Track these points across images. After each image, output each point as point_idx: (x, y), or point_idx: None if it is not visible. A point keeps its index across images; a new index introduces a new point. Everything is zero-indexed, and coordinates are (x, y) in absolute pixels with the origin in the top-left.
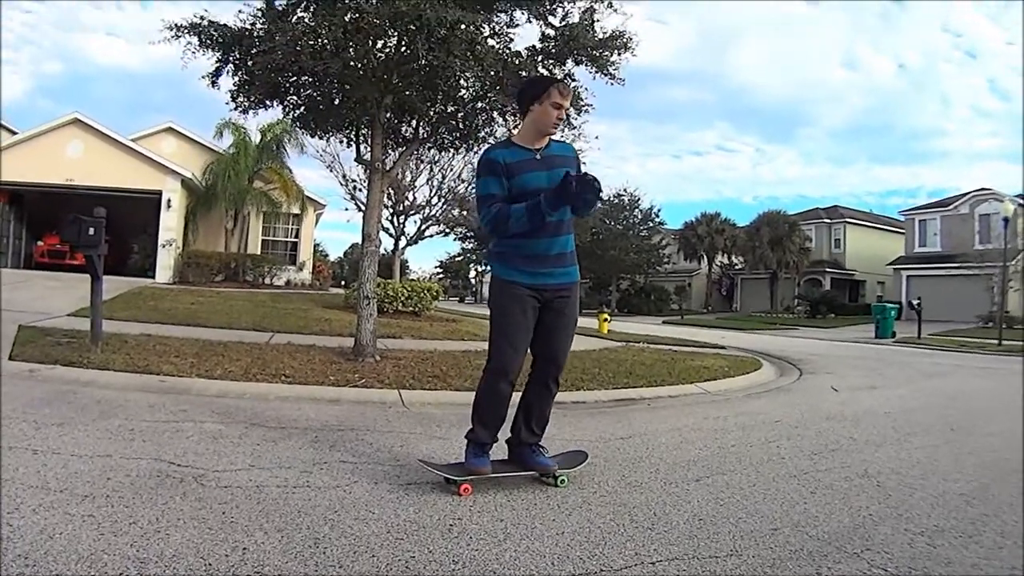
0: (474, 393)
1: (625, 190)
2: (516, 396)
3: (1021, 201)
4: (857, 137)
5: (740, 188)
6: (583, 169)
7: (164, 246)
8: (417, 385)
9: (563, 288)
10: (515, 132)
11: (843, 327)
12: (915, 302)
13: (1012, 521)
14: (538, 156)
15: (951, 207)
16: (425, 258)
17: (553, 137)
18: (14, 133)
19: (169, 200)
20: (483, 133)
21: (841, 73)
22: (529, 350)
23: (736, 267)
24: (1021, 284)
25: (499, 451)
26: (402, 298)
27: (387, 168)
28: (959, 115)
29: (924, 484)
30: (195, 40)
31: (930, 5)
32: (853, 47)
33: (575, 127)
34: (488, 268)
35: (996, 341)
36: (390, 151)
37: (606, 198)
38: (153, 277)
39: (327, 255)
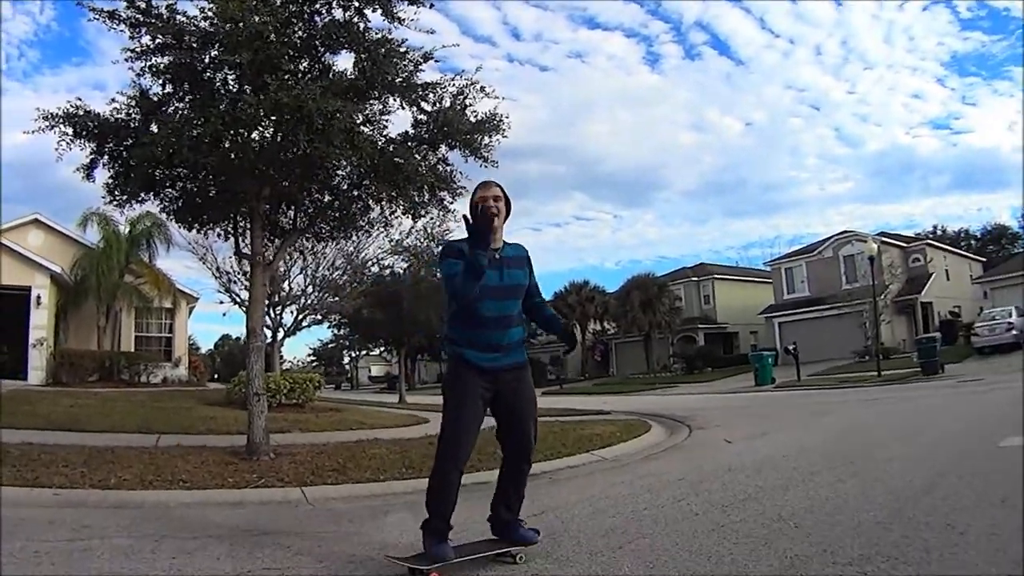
0: (426, 481)
1: None
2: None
3: (883, 239)
4: (712, 195)
5: (602, 254)
6: (533, 267)
7: (35, 346)
8: (318, 480)
9: (512, 368)
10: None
11: (722, 379)
12: (791, 347)
13: (933, 538)
14: (496, 256)
15: (815, 253)
16: (297, 347)
17: (508, 241)
18: None
19: (39, 297)
20: (361, 221)
21: (691, 136)
22: (497, 437)
23: (609, 332)
24: (891, 316)
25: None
26: (284, 391)
27: (268, 261)
28: (810, 164)
29: (840, 518)
30: (70, 130)
31: (772, 65)
32: (701, 111)
33: (450, 210)
34: (361, 353)
35: (875, 373)
36: (268, 243)
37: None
38: (25, 379)
39: (199, 348)
